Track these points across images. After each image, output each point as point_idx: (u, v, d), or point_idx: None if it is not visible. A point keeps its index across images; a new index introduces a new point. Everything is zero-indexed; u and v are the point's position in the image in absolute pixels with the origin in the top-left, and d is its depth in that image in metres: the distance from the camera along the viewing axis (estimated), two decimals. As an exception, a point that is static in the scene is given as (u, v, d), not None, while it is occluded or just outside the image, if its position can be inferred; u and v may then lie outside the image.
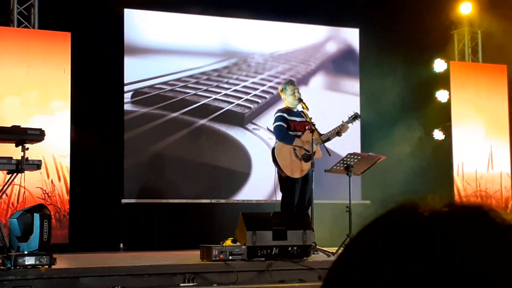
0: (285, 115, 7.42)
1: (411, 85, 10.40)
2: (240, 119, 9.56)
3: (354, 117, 7.51)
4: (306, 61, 10.07)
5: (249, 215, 6.62)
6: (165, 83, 9.30)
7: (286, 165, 7.33)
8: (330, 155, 7.15)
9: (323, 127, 7.43)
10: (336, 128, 7.35)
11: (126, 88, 9.08)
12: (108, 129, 8.99)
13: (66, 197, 8.32)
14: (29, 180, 7.82)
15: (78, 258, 7.23)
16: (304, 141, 7.34)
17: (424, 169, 10.24)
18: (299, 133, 7.38)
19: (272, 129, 7.65)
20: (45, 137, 6.30)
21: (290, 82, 7.64)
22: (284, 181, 7.36)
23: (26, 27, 8.60)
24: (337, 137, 7.48)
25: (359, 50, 10.34)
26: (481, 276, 0.62)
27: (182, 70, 9.40)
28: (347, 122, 7.43)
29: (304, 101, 7.36)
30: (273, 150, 7.46)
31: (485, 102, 10.61)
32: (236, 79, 9.67)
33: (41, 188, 8.16)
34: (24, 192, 7.98)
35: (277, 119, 7.46)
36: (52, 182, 8.25)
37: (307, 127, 7.29)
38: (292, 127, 7.40)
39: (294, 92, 7.43)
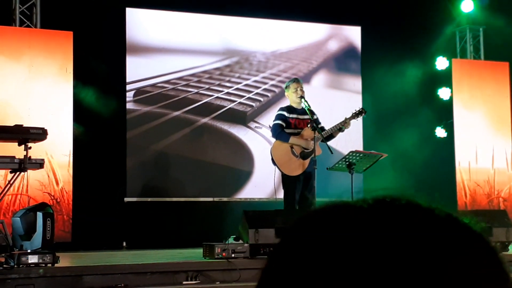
0: (285, 113, 7.41)
1: (413, 83, 10.40)
2: (242, 118, 9.57)
3: (359, 113, 7.48)
4: (308, 59, 10.08)
5: (252, 213, 6.63)
6: (167, 81, 9.31)
7: (284, 163, 7.32)
8: (332, 153, 7.14)
9: (325, 125, 7.43)
10: (339, 124, 7.33)
11: (128, 87, 9.10)
12: (111, 127, 9.00)
13: (69, 195, 8.33)
14: (32, 179, 7.85)
15: (81, 257, 7.24)
16: (304, 138, 7.33)
17: (426, 167, 10.23)
18: (299, 131, 7.37)
19: (272, 127, 7.65)
20: (48, 136, 6.31)
21: (294, 80, 7.63)
22: (286, 179, 7.36)
23: (28, 26, 8.62)
24: (340, 134, 7.48)
25: (361, 48, 10.35)
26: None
27: (184, 69, 9.41)
28: (350, 118, 7.40)
29: (305, 99, 7.35)
30: (271, 149, 7.47)
31: (487, 99, 10.61)
32: (238, 77, 9.67)
33: (43, 186, 8.18)
34: (27, 190, 8.01)
35: (276, 117, 7.47)
36: (54, 180, 8.26)
37: (308, 125, 7.29)
38: (292, 125, 7.39)
39: (297, 90, 7.42)
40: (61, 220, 8.21)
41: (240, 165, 9.49)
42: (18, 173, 6.13)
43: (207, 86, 9.50)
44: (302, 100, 7.34)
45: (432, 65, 10.73)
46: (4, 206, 7.88)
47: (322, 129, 7.32)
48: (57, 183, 8.28)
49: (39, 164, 6.20)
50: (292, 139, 7.29)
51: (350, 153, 7.30)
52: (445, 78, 10.62)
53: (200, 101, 9.43)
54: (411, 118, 10.36)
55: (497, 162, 10.58)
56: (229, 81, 9.62)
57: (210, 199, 9.29)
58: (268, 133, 8.21)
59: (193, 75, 9.45)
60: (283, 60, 9.94)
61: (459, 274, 0.62)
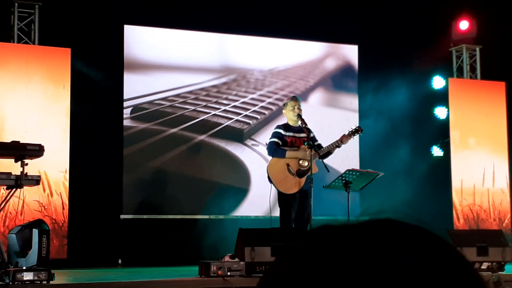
0: (281, 131, 7.41)
1: (410, 102, 10.42)
2: (239, 135, 9.58)
3: (355, 131, 7.48)
4: (305, 78, 10.11)
5: (248, 231, 6.61)
6: (164, 99, 9.32)
7: (280, 181, 7.30)
8: (328, 171, 7.14)
9: (322, 144, 7.44)
10: (335, 142, 7.34)
11: (125, 104, 9.11)
12: (107, 144, 9.00)
13: (65, 212, 8.31)
14: (27, 195, 7.83)
15: (76, 274, 7.21)
16: (300, 156, 7.32)
17: (422, 186, 10.23)
18: (295, 149, 7.36)
19: (269, 145, 7.66)
20: (45, 153, 6.30)
21: (292, 98, 7.62)
22: (282, 197, 7.35)
23: (26, 43, 8.64)
24: (336, 153, 7.48)
25: (358, 67, 10.38)
26: None
27: (181, 86, 9.43)
28: (348, 135, 7.40)
29: (303, 117, 7.35)
30: (267, 166, 7.46)
31: (484, 118, 10.63)
32: (235, 95, 9.69)
33: (39, 203, 8.16)
34: (23, 207, 7.98)
35: (272, 135, 7.47)
36: (50, 197, 8.24)
37: (305, 143, 7.29)
38: (289, 143, 7.39)
39: (294, 108, 7.43)
40: (57, 237, 8.18)
41: (237, 183, 9.49)
42: (14, 189, 6.12)
43: (204, 104, 9.51)
44: (299, 118, 7.35)
45: (428, 84, 10.77)
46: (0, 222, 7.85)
47: (319, 146, 7.32)
48: (53, 200, 8.25)
49: (36, 180, 6.19)
50: (289, 153, 7.29)
51: (347, 172, 7.30)
52: (442, 97, 10.66)
53: (197, 118, 9.44)
54: (407, 137, 10.37)
55: (492, 182, 10.57)
56: (226, 99, 9.63)
57: (207, 216, 9.27)
58: (265, 151, 8.23)
59: (190, 92, 9.47)
60: (280, 78, 9.96)
61: None
